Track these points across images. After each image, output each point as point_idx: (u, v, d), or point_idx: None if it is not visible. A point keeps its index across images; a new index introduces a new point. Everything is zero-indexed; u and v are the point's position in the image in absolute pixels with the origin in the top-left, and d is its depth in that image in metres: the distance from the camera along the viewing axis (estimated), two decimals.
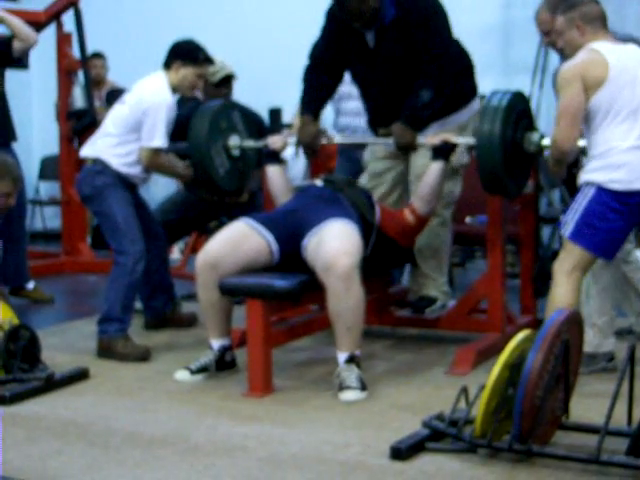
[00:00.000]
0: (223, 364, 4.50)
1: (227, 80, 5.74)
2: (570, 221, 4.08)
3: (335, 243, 4.19)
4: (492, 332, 4.80)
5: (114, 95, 7.37)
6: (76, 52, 7.60)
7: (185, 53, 5.03)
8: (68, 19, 7.56)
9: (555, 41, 4.34)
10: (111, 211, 4.97)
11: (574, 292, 4.08)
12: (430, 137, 4.64)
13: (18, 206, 5.49)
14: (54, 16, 7.44)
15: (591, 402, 3.83)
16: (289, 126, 8.67)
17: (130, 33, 9.60)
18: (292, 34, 9.04)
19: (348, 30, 4.73)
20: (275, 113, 5.20)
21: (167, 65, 5.04)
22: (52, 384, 4.29)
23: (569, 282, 4.08)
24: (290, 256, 4.38)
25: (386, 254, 4.75)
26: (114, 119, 5.06)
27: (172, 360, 4.77)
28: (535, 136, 4.46)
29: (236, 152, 5.03)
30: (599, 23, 4.15)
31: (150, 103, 4.91)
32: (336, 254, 4.13)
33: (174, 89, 5.01)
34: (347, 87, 5.34)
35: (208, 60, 5.10)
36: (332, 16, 4.79)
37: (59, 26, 7.56)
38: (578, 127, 4.06)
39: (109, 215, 4.98)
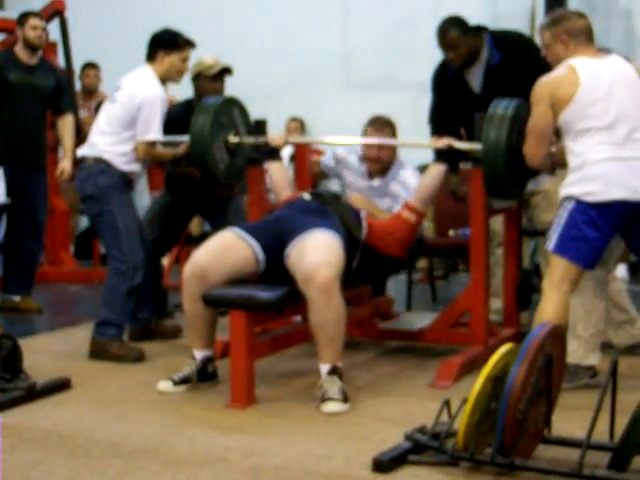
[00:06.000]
0: (205, 375, 4.49)
1: (222, 74, 5.75)
2: (553, 235, 4.12)
3: (315, 255, 4.18)
4: (475, 345, 4.80)
5: None
6: (61, 61, 7.58)
7: (166, 41, 5.09)
8: (54, 28, 7.54)
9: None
10: (113, 217, 4.97)
11: (562, 306, 4.07)
12: (434, 140, 4.81)
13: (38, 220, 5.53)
14: None
15: (573, 416, 3.84)
16: None
17: (122, 45, 9.56)
18: (281, 48, 9.09)
19: (453, 84, 5.30)
20: (260, 124, 5.20)
21: (151, 58, 5.09)
22: (33, 394, 4.26)
23: (558, 296, 4.07)
24: (275, 264, 4.38)
25: (372, 267, 4.77)
26: (107, 118, 5.06)
27: (154, 371, 4.76)
28: None
29: (235, 148, 5.10)
30: (583, 37, 4.18)
31: (143, 98, 4.93)
32: (316, 266, 4.12)
33: (163, 80, 5.05)
34: None
35: (189, 43, 5.15)
36: (436, 79, 5.44)
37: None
38: (545, 144, 4.19)
39: (111, 220, 4.98)
